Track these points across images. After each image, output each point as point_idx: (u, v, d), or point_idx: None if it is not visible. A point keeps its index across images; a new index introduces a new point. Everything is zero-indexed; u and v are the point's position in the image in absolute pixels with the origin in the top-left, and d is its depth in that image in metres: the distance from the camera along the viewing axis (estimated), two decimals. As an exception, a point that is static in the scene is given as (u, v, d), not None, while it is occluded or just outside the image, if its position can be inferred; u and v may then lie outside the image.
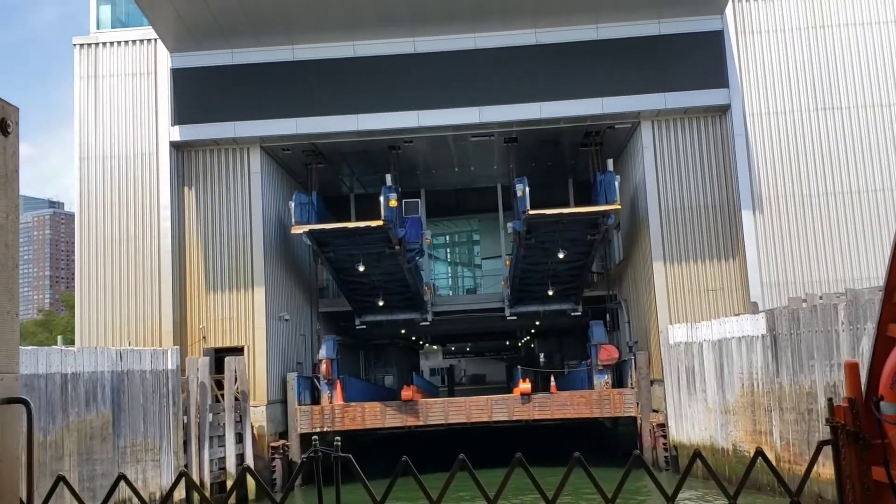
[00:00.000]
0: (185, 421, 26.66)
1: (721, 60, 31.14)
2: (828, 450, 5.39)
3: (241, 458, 28.62)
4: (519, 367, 41.28)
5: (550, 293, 37.49)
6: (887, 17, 31.63)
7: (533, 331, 59.05)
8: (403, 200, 34.30)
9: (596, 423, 37.51)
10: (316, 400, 33.45)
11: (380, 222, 30.18)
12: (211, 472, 27.18)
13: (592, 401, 32.13)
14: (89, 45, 32.63)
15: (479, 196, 44.95)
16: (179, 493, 24.83)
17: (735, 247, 31.13)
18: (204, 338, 31.34)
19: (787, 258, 30.51)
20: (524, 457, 5.49)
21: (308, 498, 27.32)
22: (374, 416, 32.31)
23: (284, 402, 32.19)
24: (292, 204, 31.49)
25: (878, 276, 26.96)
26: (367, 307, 38.63)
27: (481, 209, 46.51)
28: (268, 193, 33.01)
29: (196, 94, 31.71)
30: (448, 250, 53.33)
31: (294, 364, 34.52)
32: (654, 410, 31.10)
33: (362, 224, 31.10)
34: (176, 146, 31.96)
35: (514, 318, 40.52)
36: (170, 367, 25.86)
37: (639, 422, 31.42)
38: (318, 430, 31.23)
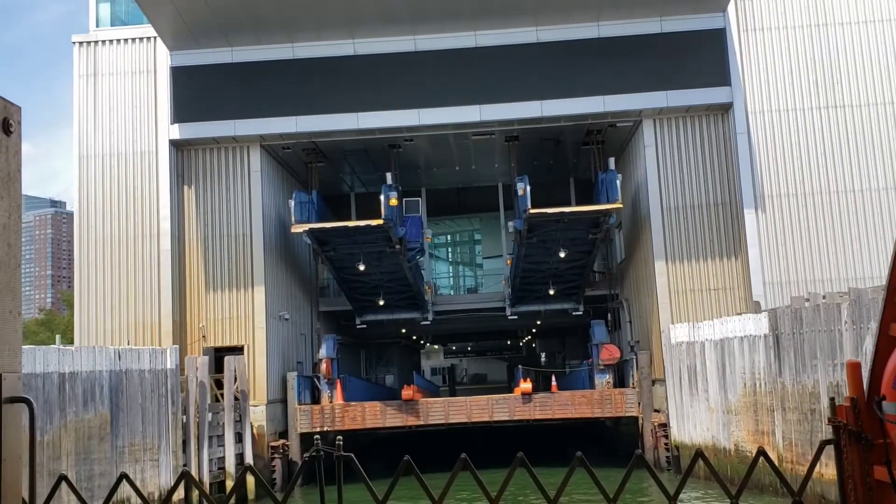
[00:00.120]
0: (184, 420, 26.52)
1: (723, 58, 30.98)
2: (830, 450, 5.34)
3: (240, 457, 28.50)
4: (520, 366, 41.18)
5: (552, 292, 37.34)
6: (890, 14, 31.46)
7: (534, 330, 58.93)
8: (404, 199, 34.18)
9: (597, 423, 37.35)
10: (316, 399, 33.33)
11: (380, 221, 30.04)
12: (210, 471, 27.05)
13: (594, 400, 31.99)
14: (88, 43, 32.51)
15: (480, 195, 44.81)
16: (178, 494, 24.70)
17: (737, 246, 30.98)
18: (204, 337, 31.23)
19: (789, 257, 30.34)
20: (525, 457, 5.43)
21: (308, 498, 27.19)
22: (375, 415, 32.19)
23: (284, 401, 32.07)
24: (292, 203, 31.38)
25: (882, 275, 26.80)
26: (367, 306, 38.50)
27: (482, 208, 46.39)
28: (268, 192, 32.89)
29: (196, 93, 31.58)
30: (449, 249, 53.23)
31: (294, 363, 34.41)
32: (656, 410, 30.96)
33: (362, 223, 30.97)
34: (175, 144, 31.84)
35: (516, 317, 40.39)
36: (169, 366, 25.72)
37: (640, 422, 31.27)
38: (318, 429, 31.12)
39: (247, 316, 31.39)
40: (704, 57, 30.98)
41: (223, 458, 27.97)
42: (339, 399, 32.67)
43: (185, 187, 32.12)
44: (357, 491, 5.95)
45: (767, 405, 23.47)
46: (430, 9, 30.50)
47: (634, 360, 32.13)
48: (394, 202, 30.90)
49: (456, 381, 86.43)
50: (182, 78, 31.56)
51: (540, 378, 40.39)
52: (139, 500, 21.60)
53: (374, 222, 30.20)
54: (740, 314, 27.13)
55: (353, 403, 32.62)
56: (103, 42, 32.45)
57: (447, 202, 45.56)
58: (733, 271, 30.90)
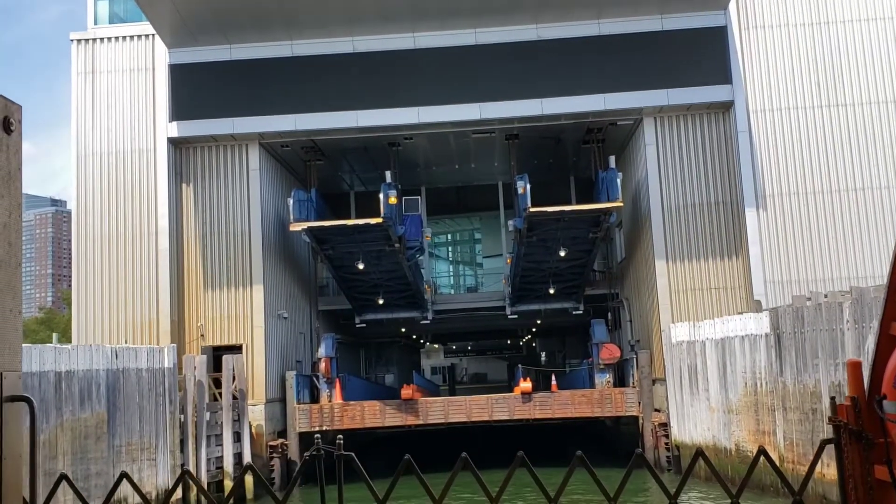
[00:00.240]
0: (182, 420, 26.38)
1: (724, 56, 30.83)
2: (831, 449, 5.33)
3: (238, 457, 28.37)
4: (520, 365, 41.08)
5: (552, 291, 37.21)
6: (892, 12, 31.29)
7: (534, 329, 58.82)
8: (403, 198, 34.06)
9: (597, 423, 37.24)
10: (315, 399, 33.21)
11: (379, 220, 29.89)
12: (208, 471, 26.93)
13: (594, 400, 31.87)
14: (87, 40, 32.37)
15: (480, 194, 44.68)
16: (175, 493, 24.57)
17: (738, 244, 30.83)
18: (202, 336, 31.09)
19: (790, 256, 30.19)
20: (525, 456, 5.41)
21: (306, 497, 27.05)
22: (374, 415, 32.06)
23: (283, 400, 31.94)
24: (291, 201, 31.25)
25: (884, 274, 26.63)
26: (367, 305, 38.37)
27: (482, 207, 46.25)
28: (266, 190, 32.75)
29: (194, 90, 31.45)
30: (449, 248, 53.10)
31: (293, 362, 34.28)
32: (656, 410, 30.82)
33: (361, 221, 30.80)
34: (174, 142, 31.70)
35: (516, 316, 40.26)
36: (166, 365, 25.58)
37: (640, 421, 31.14)
38: (316, 429, 31.00)
39: (245, 315, 31.26)
40: (705, 55, 30.83)
41: (221, 457, 27.84)
42: (338, 398, 32.55)
43: (184, 185, 31.99)
44: (357, 490, 5.93)
45: (768, 405, 23.33)
46: (429, 6, 30.36)
47: (635, 360, 31.99)
48: (393, 201, 30.77)
49: (456, 381, 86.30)
50: (180, 75, 31.42)
51: (540, 377, 40.29)
52: (136, 501, 21.41)
53: (373, 221, 30.05)
54: (741, 313, 27.00)
55: (352, 403, 32.50)
56: (101, 40, 32.31)
57: (447, 201, 45.43)
58: (734, 270, 30.75)
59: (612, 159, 31.83)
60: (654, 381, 31.23)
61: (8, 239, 3.69)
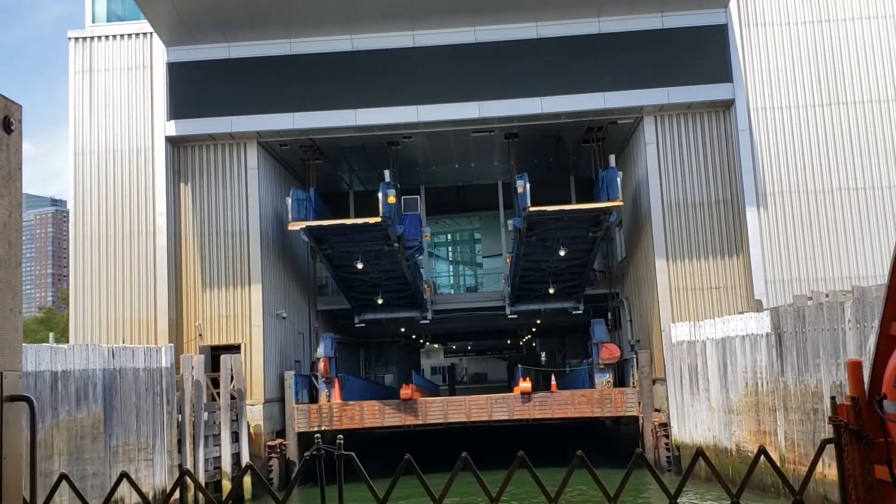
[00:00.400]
0: (180, 420, 26.23)
1: (725, 55, 30.69)
2: (832, 449, 5.34)
3: (236, 457, 28.21)
4: (519, 365, 40.95)
5: (551, 291, 37.07)
6: (893, 10, 31.15)
7: (534, 329, 58.71)
8: (403, 197, 33.88)
9: (597, 423, 37.10)
10: (314, 399, 33.08)
11: (378, 219, 29.74)
12: (206, 471, 26.78)
13: (594, 400, 31.73)
14: (84, 38, 32.23)
15: (480, 193, 44.53)
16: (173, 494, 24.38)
17: (739, 244, 30.69)
18: (200, 335, 30.96)
19: (791, 255, 30.04)
20: (525, 456, 5.43)
21: (305, 497, 26.92)
22: (373, 414, 31.93)
23: (282, 400, 31.81)
24: (290, 200, 31.12)
25: (885, 273, 26.47)
26: (366, 305, 38.23)
27: (482, 206, 46.12)
28: (265, 189, 32.62)
29: (192, 89, 31.32)
30: (449, 248, 52.98)
31: (292, 362, 34.15)
32: (657, 410, 30.68)
33: (360, 221, 30.65)
34: (172, 141, 31.57)
35: (515, 316, 40.12)
36: (164, 364, 25.44)
37: (640, 421, 31.00)
38: (315, 428, 30.86)
39: (244, 314, 31.12)
40: (706, 53, 30.70)
41: (219, 457, 27.69)
42: (336, 398, 32.41)
43: (182, 184, 31.85)
44: (357, 490, 5.95)
45: (769, 405, 23.19)
46: (428, 4, 30.22)
47: (635, 360, 31.85)
48: (392, 200, 30.62)
49: (456, 381, 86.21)
50: (178, 74, 31.29)
51: (540, 377, 40.17)
52: (133, 501, 21.21)
53: (372, 220, 29.89)
54: (742, 313, 26.86)
55: (350, 403, 32.36)
56: (99, 38, 32.18)
57: (446, 200, 45.30)
58: (735, 269, 30.60)
59: (612, 158, 31.69)
60: (654, 381, 31.09)
61: (8, 238, 3.72)
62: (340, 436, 6.49)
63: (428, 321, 40.34)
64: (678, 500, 5.25)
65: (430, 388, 56.47)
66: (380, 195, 30.48)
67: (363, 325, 39.61)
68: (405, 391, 32.93)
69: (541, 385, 37.12)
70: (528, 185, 29.87)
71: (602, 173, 31.62)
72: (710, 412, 26.66)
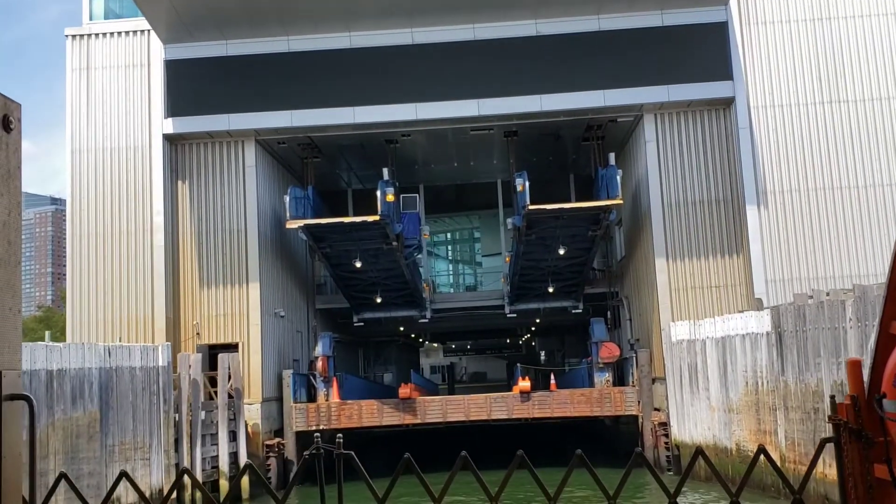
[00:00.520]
0: (177, 419, 26.09)
1: (725, 52, 30.56)
2: (832, 448, 5.32)
3: (234, 456, 28.08)
4: (519, 364, 40.86)
5: (551, 290, 36.96)
6: (894, 8, 31.02)
7: (533, 328, 58.59)
8: (401, 195, 33.78)
9: (596, 422, 37.00)
10: (312, 398, 32.95)
11: (377, 217, 29.62)
12: (203, 470, 26.64)
13: (593, 399, 31.62)
14: (82, 36, 32.09)
15: (479, 191, 44.42)
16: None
17: (739, 242, 30.56)
18: (198, 334, 30.83)
19: (792, 254, 29.91)
20: (525, 456, 5.41)
21: (304, 496, 26.77)
22: (371, 414, 31.81)
23: (280, 399, 31.68)
24: (287, 198, 30.99)
25: (886, 272, 26.35)
26: (364, 304, 38.12)
27: (481, 205, 46.02)
28: (263, 187, 32.49)
29: (190, 86, 31.18)
30: (448, 247, 52.86)
31: (290, 361, 34.02)
32: (656, 409, 30.57)
33: (358, 219, 30.54)
34: (169, 139, 31.43)
35: (515, 315, 40.01)
36: (160, 363, 25.29)
37: (640, 420, 30.89)
38: (314, 427, 30.73)
39: (241, 313, 30.99)
40: (706, 51, 30.57)
41: (216, 456, 27.56)
42: (335, 397, 32.29)
43: (179, 182, 31.72)
44: (356, 490, 5.94)
45: (769, 404, 23.06)
46: (427, 1, 30.11)
47: (634, 359, 31.74)
48: (390, 198, 30.49)
49: (455, 380, 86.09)
50: (176, 71, 31.15)
51: (539, 376, 40.10)
52: (129, 500, 21.03)
53: (370, 218, 29.78)
54: (742, 311, 26.73)
55: (349, 402, 32.24)
56: (97, 35, 32.04)
57: (445, 199, 45.18)
58: (735, 268, 30.48)
59: (612, 156, 31.58)
60: (653, 380, 30.97)
61: (7, 237, 3.71)
62: (340, 434, 6.47)
63: (427, 320, 40.23)
64: (677, 500, 5.23)
65: (429, 388, 56.33)
66: (378, 193, 30.34)
67: (362, 323, 39.50)
68: (404, 390, 32.81)
69: (540, 384, 37.02)
70: (527, 184, 29.76)
71: (602, 171, 31.50)
72: (710, 411, 26.54)
